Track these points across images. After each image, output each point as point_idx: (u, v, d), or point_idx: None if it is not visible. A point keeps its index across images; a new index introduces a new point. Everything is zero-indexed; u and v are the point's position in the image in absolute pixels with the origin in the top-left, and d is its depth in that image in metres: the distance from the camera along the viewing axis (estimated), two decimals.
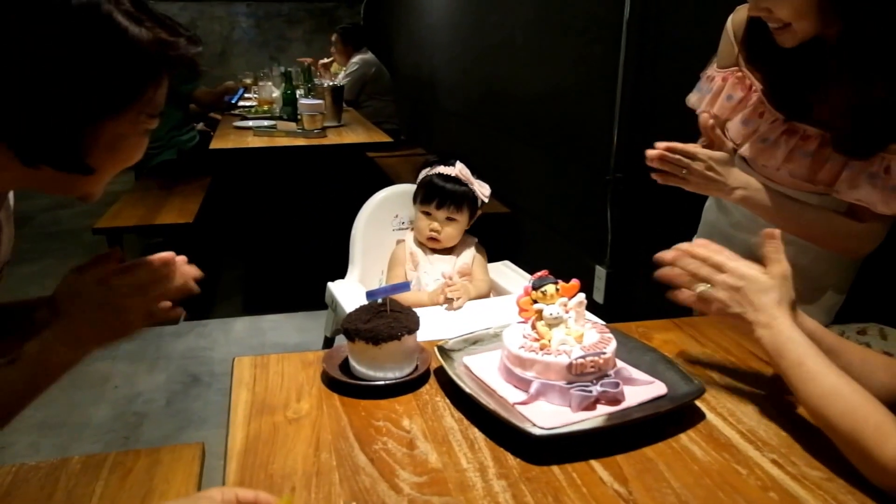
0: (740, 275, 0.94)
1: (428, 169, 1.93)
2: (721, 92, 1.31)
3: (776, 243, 0.94)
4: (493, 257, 2.10)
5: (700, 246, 1.00)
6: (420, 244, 1.94)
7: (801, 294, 1.11)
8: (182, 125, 4.01)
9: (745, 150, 1.29)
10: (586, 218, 2.64)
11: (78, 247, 4.37)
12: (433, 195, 1.88)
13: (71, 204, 5.48)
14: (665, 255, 1.02)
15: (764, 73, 1.24)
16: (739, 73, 1.28)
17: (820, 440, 0.90)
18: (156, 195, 3.62)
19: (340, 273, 2.06)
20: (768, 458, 0.91)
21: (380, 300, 1.11)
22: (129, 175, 4.55)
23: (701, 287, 0.97)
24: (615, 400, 0.99)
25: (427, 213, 1.90)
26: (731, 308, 0.94)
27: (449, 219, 1.89)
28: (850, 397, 0.82)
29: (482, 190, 1.92)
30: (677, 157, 1.20)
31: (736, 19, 1.28)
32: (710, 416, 1.01)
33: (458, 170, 1.90)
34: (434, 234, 1.89)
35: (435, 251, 1.93)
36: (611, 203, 2.44)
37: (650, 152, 1.22)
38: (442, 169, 1.90)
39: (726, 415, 1.02)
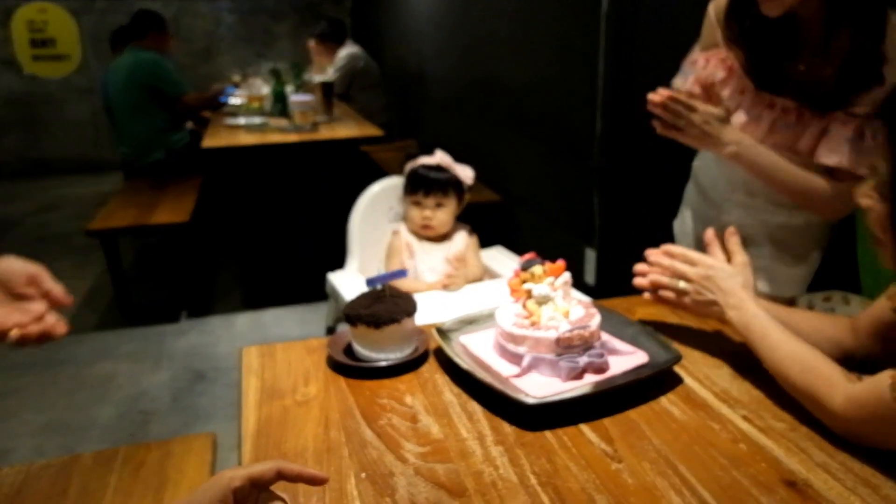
0: (709, 265, 1.09)
1: (411, 162, 2.00)
2: (705, 70, 1.37)
3: (736, 238, 1.09)
4: (486, 243, 2.16)
5: (672, 249, 1.15)
6: (414, 233, 2.00)
7: (797, 253, 1.25)
8: (171, 125, 4.01)
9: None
10: (575, 203, 2.69)
11: (69, 250, 4.36)
12: (420, 184, 1.95)
13: (57, 207, 5.47)
14: (642, 266, 1.17)
15: (744, 49, 1.31)
16: (721, 55, 1.35)
17: (784, 397, 0.99)
18: (148, 195, 3.62)
19: (339, 265, 2.11)
20: (739, 415, 0.99)
21: (379, 286, 1.17)
22: (118, 176, 4.55)
23: (680, 284, 1.12)
24: (601, 369, 1.06)
25: (417, 203, 1.96)
26: (704, 295, 1.09)
27: (439, 205, 1.95)
28: (806, 358, 0.93)
29: (465, 173, 1.99)
30: (678, 107, 1.26)
31: (718, 4, 1.35)
32: (687, 380, 1.09)
33: (439, 157, 1.97)
34: (427, 221, 1.95)
35: (429, 239, 2.00)
36: (597, 188, 2.50)
37: (652, 96, 1.28)
38: (424, 159, 1.97)
39: (702, 378, 1.09)
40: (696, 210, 1.54)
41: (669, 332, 1.24)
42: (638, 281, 1.18)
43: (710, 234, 1.14)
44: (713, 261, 1.10)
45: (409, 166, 1.99)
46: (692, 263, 1.12)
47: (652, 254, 1.17)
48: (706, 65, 1.35)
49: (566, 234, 2.80)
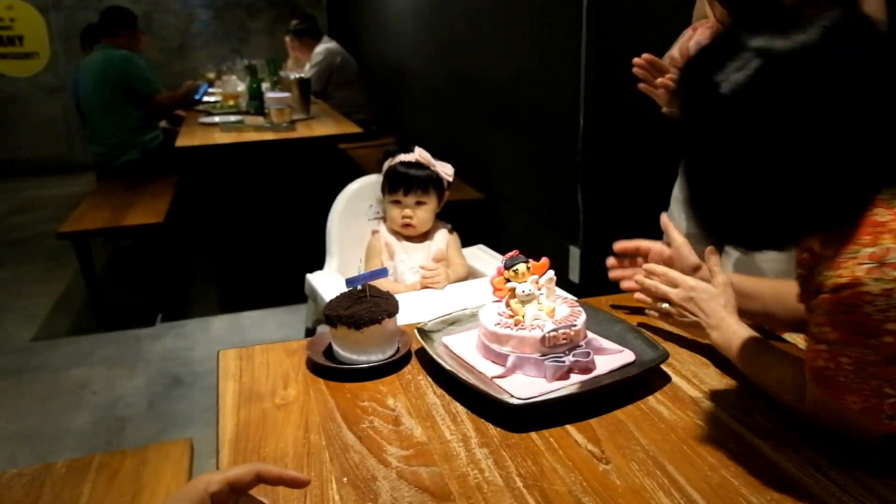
0: (690, 287, 1.11)
1: (390, 160, 1.99)
2: (690, 39, 1.40)
3: (716, 258, 1.11)
4: (469, 242, 2.16)
5: (654, 268, 1.19)
6: (394, 233, 1.99)
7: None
8: (144, 124, 3.98)
9: None
10: (558, 200, 2.70)
11: (41, 253, 4.33)
12: (399, 183, 1.94)
13: (29, 209, 5.40)
14: (613, 261, 1.24)
15: (730, 10, 1.31)
16: (708, 23, 1.37)
17: (769, 397, 1.00)
18: (121, 196, 3.60)
19: (318, 265, 2.10)
20: (728, 414, 0.99)
21: (359, 287, 1.16)
22: (91, 176, 4.49)
23: (663, 305, 1.17)
24: (587, 368, 1.06)
25: (397, 202, 1.95)
26: (687, 317, 1.12)
27: (419, 203, 1.94)
28: (779, 369, 0.97)
29: (444, 170, 1.98)
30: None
31: None
32: (675, 378, 1.09)
33: (418, 154, 1.96)
34: (407, 220, 1.94)
35: (409, 239, 1.99)
36: (581, 184, 2.51)
37: (636, 60, 1.34)
38: (403, 157, 1.96)
39: (690, 376, 1.10)
40: (685, 207, 1.54)
41: (656, 329, 1.25)
42: (626, 284, 1.21)
43: (710, 250, 1.13)
44: (695, 282, 1.11)
45: (388, 164, 1.98)
46: (674, 284, 1.14)
47: (638, 278, 1.20)
48: (692, 34, 1.37)
49: (550, 231, 2.80)
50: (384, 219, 2.05)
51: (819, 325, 0.80)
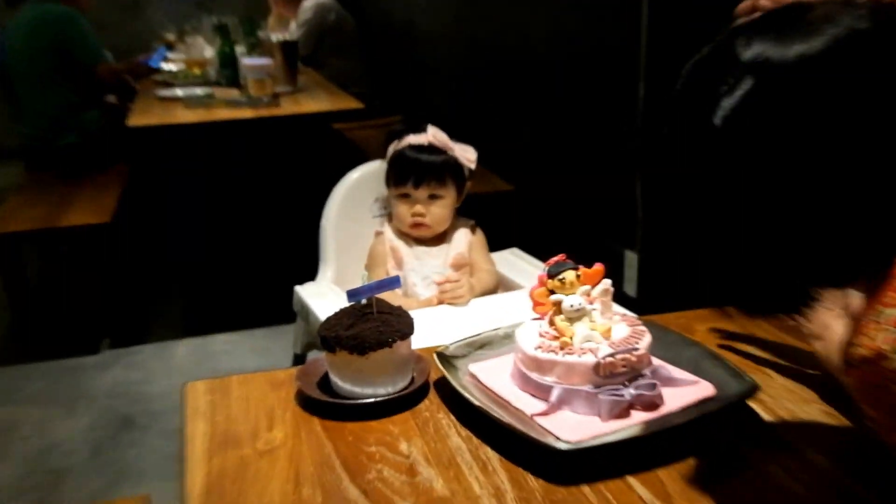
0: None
1: (396, 142, 1.99)
2: None
3: None
4: (498, 245, 2.16)
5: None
6: (402, 235, 2.00)
7: None
8: (84, 102, 4.01)
9: None
10: (610, 192, 2.70)
11: None
12: (408, 171, 1.94)
13: None
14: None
15: None
16: None
17: None
18: (58, 190, 3.62)
19: (310, 275, 2.11)
20: (837, 469, 0.98)
21: (364, 301, 1.16)
22: (17, 166, 4.51)
23: None
24: (653, 404, 1.06)
25: (405, 196, 1.96)
26: None
27: (433, 196, 1.95)
28: None
29: (465, 155, 1.98)
30: None
31: None
32: (766, 418, 1.09)
33: (432, 135, 1.96)
34: (419, 218, 1.95)
35: (421, 242, 2.00)
36: (640, 175, 2.51)
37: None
38: (412, 139, 1.96)
39: (786, 416, 1.09)
40: None
41: (741, 354, 1.24)
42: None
43: None
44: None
45: (393, 148, 1.99)
46: None
47: None
48: None
49: (598, 231, 2.80)
50: (390, 217, 2.05)
51: (856, 400, 0.80)
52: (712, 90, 0.75)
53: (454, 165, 1.96)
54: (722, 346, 1.27)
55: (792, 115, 0.72)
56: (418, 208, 1.94)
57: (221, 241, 3.46)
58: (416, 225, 1.96)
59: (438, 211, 1.96)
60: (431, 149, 1.95)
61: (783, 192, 0.73)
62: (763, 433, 1.06)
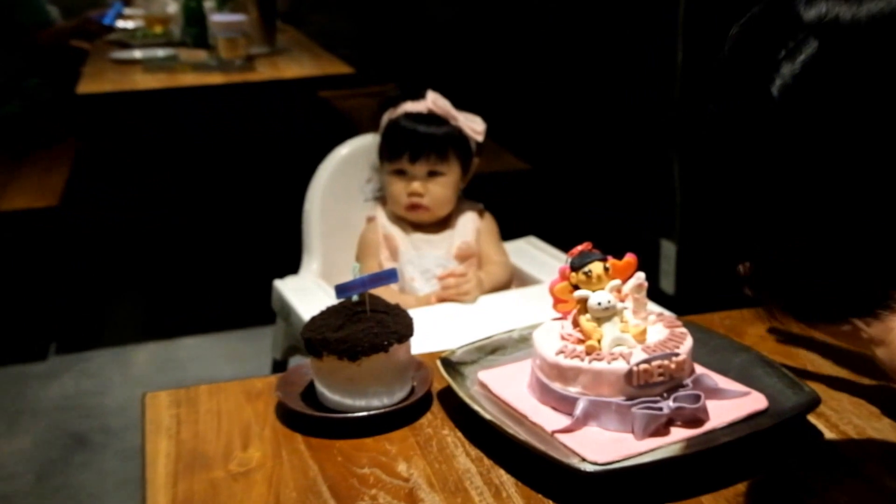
0: None
1: (390, 111, 2.00)
2: None
3: None
4: (510, 233, 2.17)
5: None
6: (399, 221, 2.01)
7: None
8: (28, 66, 4.01)
9: None
10: (644, 173, 2.69)
11: None
12: (403, 144, 1.94)
13: None
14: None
15: None
16: None
17: None
18: None
19: (292, 268, 2.12)
20: None
21: (355, 297, 1.16)
22: None
23: None
24: (695, 419, 1.05)
25: (400, 172, 1.96)
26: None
27: (432, 174, 1.95)
28: None
29: (471, 125, 1.98)
30: None
31: None
32: (829, 435, 1.08)
33: (432, 102, 1.96)
34: (415, 198, 1.95)
35: (420, 229, 2.00)
36: (678, 152, 2.50)
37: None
38: (409, 106, 1.97)
39: (853, 433, 1.08)
40: None
41: (799, 360, 1.24)
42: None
43: None
44: None
45: (387, 118, 2.00)
46: None
47: None
48: None
49: (630, 217, 2.79)
50: (384, 200, 2.05)
51: None
52: (767, 56, 0.74)
53: (458, 138, 1.96)
54: (777, 352, 1.26)
55: (864, 86, 0.70)
56: (415, 186, 1.94)
57: (188, 228, 3.46)
58: (413, 206, 1.95)
59: (439, 190, 1.95)
60: (431, 118, 1.95)
61: (850, 177, 0.72)
62: (826, 454, 1.05)
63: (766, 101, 0.73)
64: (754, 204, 0.80)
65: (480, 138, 1.99)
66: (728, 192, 0.82)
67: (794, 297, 0.82)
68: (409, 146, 1.94)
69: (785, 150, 0.74)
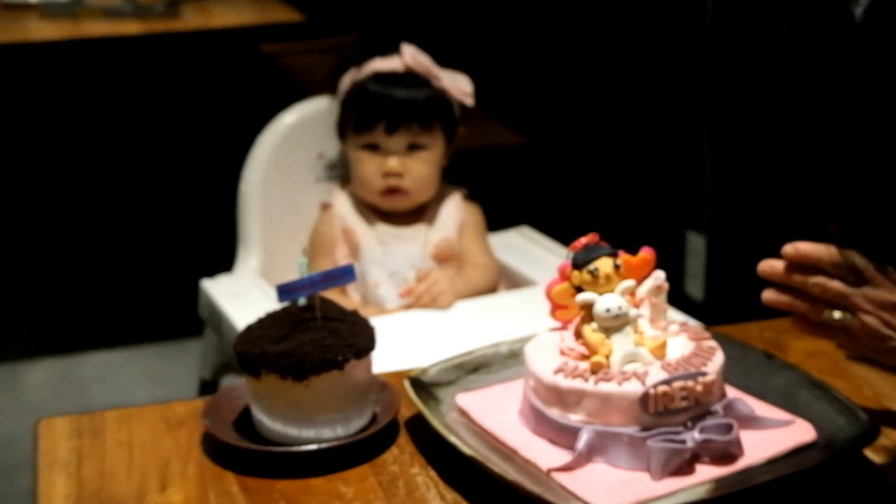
0: (892, 287, 1.09)
1: (354, 70, 2.00)
2: None
3: None
4: (499, 222, 2.18)
5: (808, 249, 1.13)
6: (363, 209, 2.02)
7: None
8: None
9: None
10: (666, 152, 2.70)
11: None
12: (377, 112, 1.95)
13: None
14: (769, 265, 1.17)
15: None
16: None
17: None
18: None
19: (224, 265, 2.13)
20: None
21: (303, 301, 1.16)
22: None
23: (836, 314, 1.12)
24: (727, 454, 1.05)
25: (372, 147, 1.96)
26: (886, 338, 1.09)
27: (413, 147, 1.96)
28: None
29: (458, 86, 2.00)
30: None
31: None
32: (890, 473, 1.09)
33: (411, 58, 1.97)
34: (394, 180, 1.95)
35: (389, 220, 2.01)
36: (707, 127, 2.51)
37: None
38: (380, 64, 1.98)
39: None
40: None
41: (855, 382, 1.25)
42: (767, 296, 1.18)
43: None
44: None
45: (351, 79, 2.00)
46: (858, 279, 1.11)
47: (788, 254, 1.16)
48: None
49: (648, 204, 2.80)
50: (343, 180, 2.06)
51: None
52: None
53: (442, 102, 1.97)
54: (828, 371, 1.27)
55: None
56: (393, 164, 1.95)
57: (95, 219, 3.46)
58: (391, 190, 1.96)
59: (421, 168, 1.97)
60: (409, 78, 1.97)
61: None
62: (885, 496, 1.06)
63: (847, 24, 0.74)
64: (805, 177, 0.81)
65: (470, 101, 2.01)
66: (770, 162, 0.83)
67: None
68: (383, 114, 1.94)
69: (872, 77, 0.75)
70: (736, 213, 2.52)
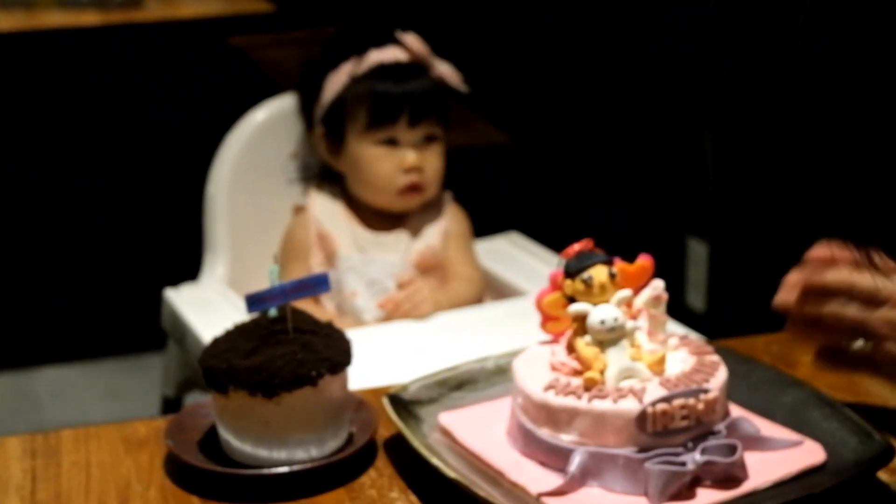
0: None
1: (354, 61, 2.00)
2: None
3: None
4: (486, 227, 2.19)
5: (825, 265, 1.15)
6: (341, 212, 2.03)
7: None
8: None
9: None
10: (666, 151, 2.70)
11: None
12: (398, 105, 1.97)
13: None
14: (784, 299, 1.19)
15: None
16: None
17: None
18: None
19: (189, 273, 2.12)
20: None
21: (273, 312, 1.16)
22: None
23: (857, 344, 1.13)
24: (730, 477, 1.05)
25: (391, 142, 1.98)
26: None
27: (429, 139, 1.99)
28: None
29: (446, 72, 2.04)
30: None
31: None
32: None
33: (415, 46, 2.01)
34: (415, 176, 1.97)
35: (370, 225, 2.02)
36: (710, 124, 2.52)
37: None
38: (377, 55, 1.99)
39: None
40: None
41: (869, 399, 1.25)
42: (789, 320, 1.19)
43: None
44: None
45: (351, 73, 2.01)
46: (874, 299, 1.12)
47: (793, 284, 1.18)
48: None
49: (646, 208, 2.80)
50: (320, 182, 2.08)
51: None
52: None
53: (441, 90, 2.01)
54: (839, 388, 1.27)
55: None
56: (412, 159, 1.96)
57: (51, 224, 3.45)
58: (412, 187, 1.97)
59: (436, 162, 2.00)
60: (416, 68, 1.99)
61: None
62: None
63: (856, 27, 0.74)
64: (815, 180, 0.82)
65: (464, 88, 2.03)
66: (776, 163, 0.83)
67: None
68: (407, 105, 1.96)
69: (884, 84, 0.76)
70: (741, 218, 2.53)
